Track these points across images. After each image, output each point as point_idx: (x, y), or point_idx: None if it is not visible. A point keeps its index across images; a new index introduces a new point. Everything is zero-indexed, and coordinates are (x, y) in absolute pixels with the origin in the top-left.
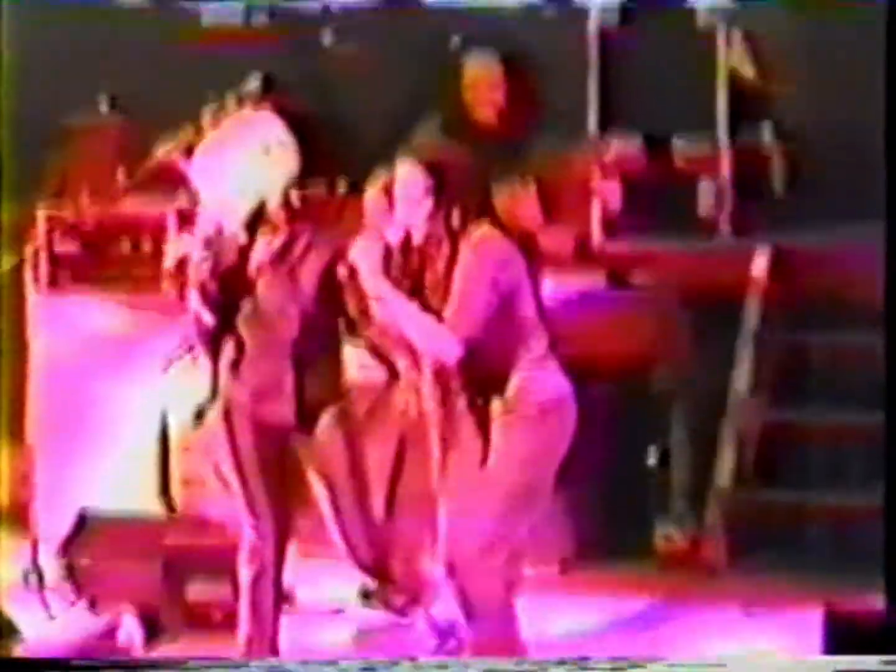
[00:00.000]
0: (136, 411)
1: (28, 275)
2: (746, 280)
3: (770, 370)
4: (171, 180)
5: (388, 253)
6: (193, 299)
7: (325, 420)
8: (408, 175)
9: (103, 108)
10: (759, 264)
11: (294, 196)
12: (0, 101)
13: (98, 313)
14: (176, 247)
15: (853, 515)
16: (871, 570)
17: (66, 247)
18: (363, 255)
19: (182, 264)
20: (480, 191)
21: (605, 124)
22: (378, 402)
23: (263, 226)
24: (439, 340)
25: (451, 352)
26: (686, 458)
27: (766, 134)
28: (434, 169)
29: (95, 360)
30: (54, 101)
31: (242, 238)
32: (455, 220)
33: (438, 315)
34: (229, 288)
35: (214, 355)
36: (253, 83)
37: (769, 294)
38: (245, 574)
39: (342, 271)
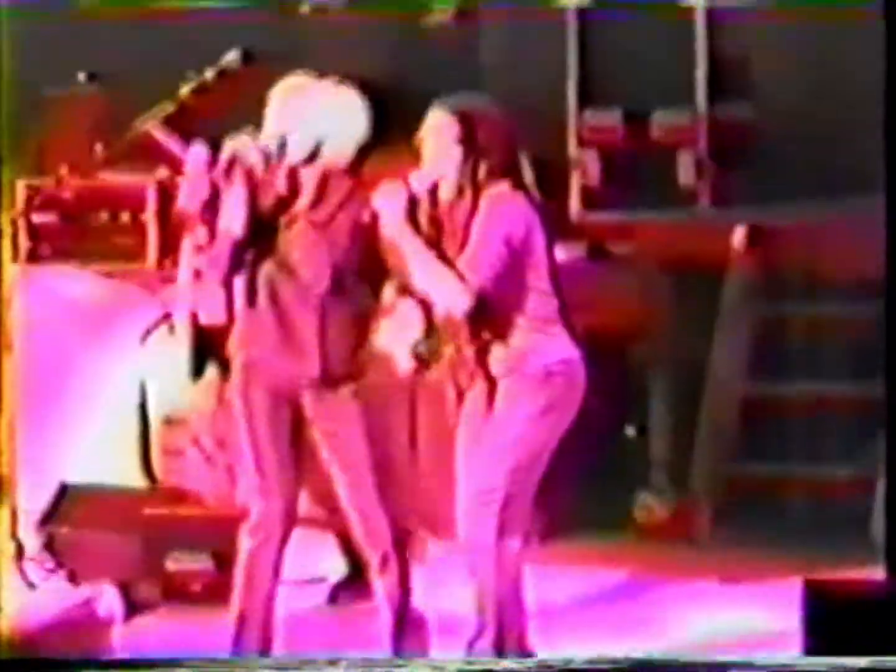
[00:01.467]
0: (116, 382)
1: (6, 246)
2: (726, 252)
3: (750, 342)
4: (150, 153)
5: (412, 201)
6: (229, 204)
7: (345, 392)
8: (439, 122)
9: (82, 79)
10: (739, 236)
11: (349, 154)
12: None
13: (77, 284)
14: (235, 143)
15: (834, 487)
16: (852, 541)
17: (44, 218)
18: (386, 199)
19: (231, 166)
20: (509, 149)
21: (585, 98)
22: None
23: (311, 172)
24: (450, 291)
25: (461, 302)
26: (666, 430)
27: (746, 108)
28: (466, 118)
29: (75, 330)
30: (34, 72)
31: (283, 177)
32: (482, 172)
33: (452, 265)
34: (261, 224)
35: (232, 273)
36: (233, 56)
37: (749, 266)
38: (246, 544)
39: (364, 215)
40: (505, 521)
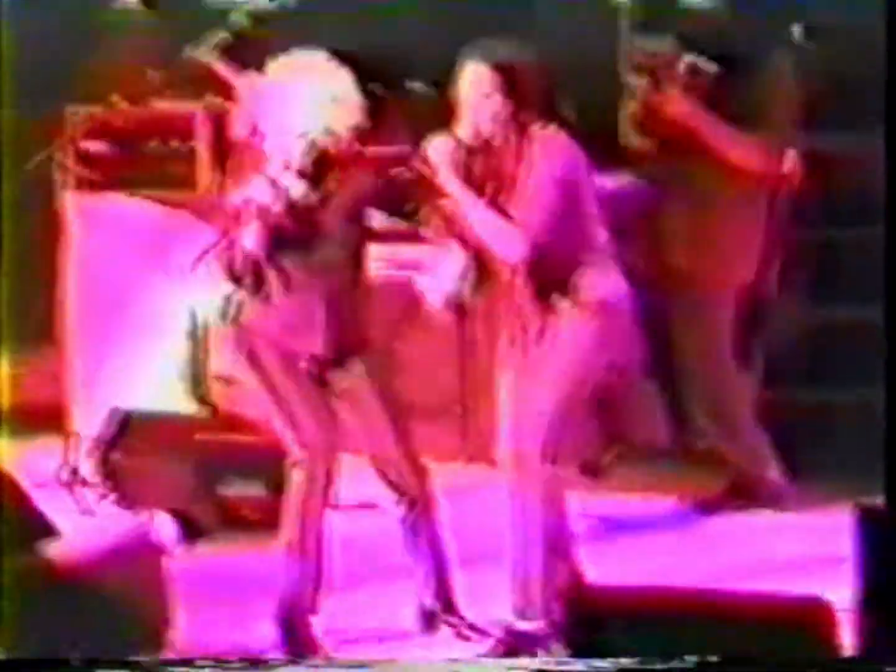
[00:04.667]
0: (170, 308)
1: (57, 173)
2: (782, 175)
3: (799, 269)
4: (202, 80)
5: (459, 149)
6: (249, 238)
7: (356, 368)
8: (475, 74)
9: (134, 3)
10: (788, 162)
11: (348, 142)
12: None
13: (129, 211)
14: (246, 189)
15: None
16: None
17: (96, 146)
18: (437, 152)
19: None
20: (547, 92)
21: (638, 24)
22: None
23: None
24: (506, 239)
25: (517, 251)
26: None
27: (796, 35)
28: (502, 69)
29: (128, 257)
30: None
31: (298, 187)
32: (523, 118)
33: (506, 213)
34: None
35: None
36: None
37: (798, 192)
38: (295, 476)
39: (419, 166)
40: (550, 445)
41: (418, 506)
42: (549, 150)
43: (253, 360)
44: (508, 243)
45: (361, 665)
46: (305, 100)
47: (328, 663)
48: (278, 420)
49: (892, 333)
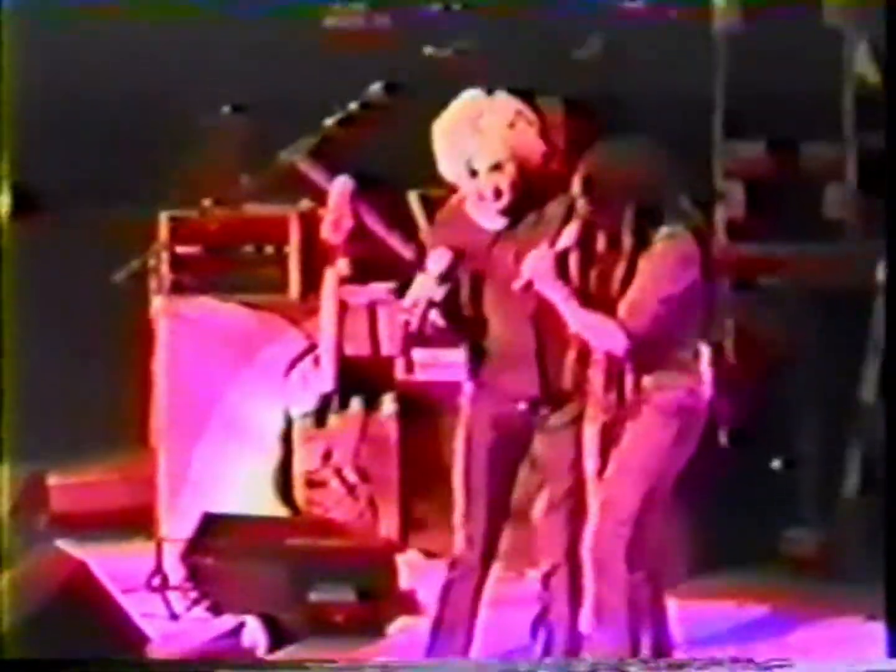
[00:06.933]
0: (260, 413)
1: (151, 277)
2: (873, 284)
3: None
4: (295, 184)
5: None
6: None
7: (559, 415)
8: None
9: (226, 111)
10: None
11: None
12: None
13: (221, 315)
14: (416, 291)
15: None
16: None
17: (189, 249)
18: (533, 265)
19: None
20: (663, 193)
21: (730, 127)
22: None
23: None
24: (606, 334)
25: (620, 343)
26: (813, 463)
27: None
28: (591, 185)
29: (219, 361)
30: (177, 104)
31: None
32: (633, 227)
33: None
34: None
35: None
36: (377, 87)
37: None
38: (445, 577)
39: (516, 285)
40: (633, 552)
41: (557, 575)
42: (666, 255)
43: (469, 440)
44: (609, 338)
45: (359, 666)
46: (487, 130)
47: (325, 665)
48: (458, 505)
49: None
